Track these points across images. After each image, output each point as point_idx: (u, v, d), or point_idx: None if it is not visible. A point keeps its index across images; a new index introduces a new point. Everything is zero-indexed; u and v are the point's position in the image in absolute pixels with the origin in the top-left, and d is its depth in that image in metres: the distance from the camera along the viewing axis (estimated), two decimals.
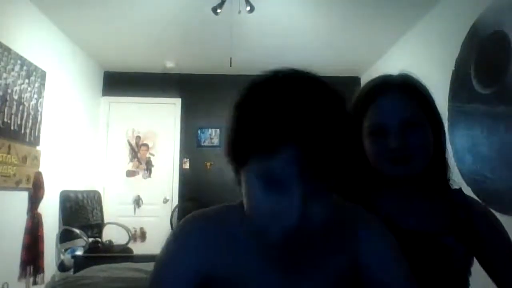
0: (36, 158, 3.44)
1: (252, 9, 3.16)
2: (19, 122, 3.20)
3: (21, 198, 3.29)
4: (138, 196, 5.11)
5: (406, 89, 0.94)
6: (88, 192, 4.45)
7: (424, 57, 3.57)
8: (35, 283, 3.34)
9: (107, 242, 3.97)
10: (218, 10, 3.17)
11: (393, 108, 0.92)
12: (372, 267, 0.72)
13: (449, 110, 2.96)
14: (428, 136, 0.93)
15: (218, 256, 0.72)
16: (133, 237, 4.50)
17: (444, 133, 0.99)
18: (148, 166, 5.20)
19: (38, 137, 3.49)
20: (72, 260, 3.42)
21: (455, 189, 1.01)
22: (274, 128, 0.56)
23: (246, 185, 0.63)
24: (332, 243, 0.71)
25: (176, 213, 4.85)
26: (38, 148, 3.49)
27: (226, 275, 0.71)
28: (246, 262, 0.70)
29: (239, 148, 0.62)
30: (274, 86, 0.61)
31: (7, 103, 3.04)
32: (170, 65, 4.93)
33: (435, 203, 0.98)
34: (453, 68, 3.00)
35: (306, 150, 0.55)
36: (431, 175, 0.97)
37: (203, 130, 5.22)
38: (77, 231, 3.83)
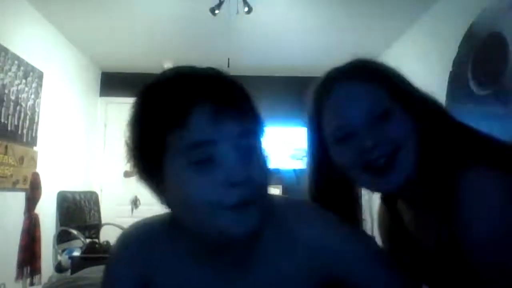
0: (33, 159, 3.43)
1: (250, 10, 3.16)
2: (16, 123, 3.19)
3: (18, 198, 3.27)
4: (136, 197, 5.09)
5: (360, 75, 0.77)
6: (85, 192, 4.43)
7: (422, 58, 3.58)
8: (32, 284, 3.33)
9: (105, 243, 3.94)
10: (216, 11, 3.17)
11: (352, 102, 0.74)
12: (334, 267, 0.67)
13: None
14: (407, 122, 0.73)
15: (153, 266, 0.71)
16: None
17: (434, 110, 0.82)
18: None
19: (35, 137, 3.48)
20: (69, 261, 3.41)
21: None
22: (181, 95, 0.57)
23: (179, 181, 0.58)
24: (271, 242, 0.66)
25: None
26: (35, 148, 3.48)
27: (164, 283, 0.71)
28: (181, 268, 0.68)
29: (156, 130, 0.58)
30: (172, 73, 0.66)
31: (4, 103, 3.03)
32: (168, 65, 4.89)
33: (440, 207, 0.73)
34: (451, 69, 3.01)
35: (215, 103, 0.56)
36: (426, 170, 0.73)
37: None
38: (74, 232, 3.82)
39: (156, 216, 0.75)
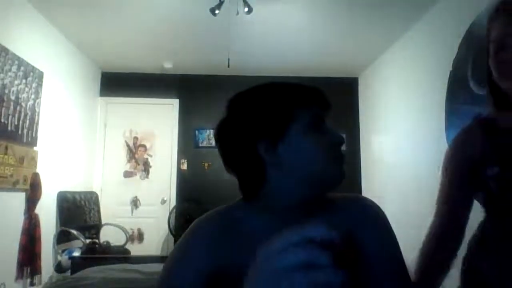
0: (33, 159, 3.43)
1: (250, 11, 3.16)
2: (16, 123, 3.19)
3: (18, 199, 3.28)
4: (136, 197, 5.10)
5: None
6: (85, 193, 4.44)
7: (422, 58, 3.58)
8: (32, 284, 3.33)
9: (105, 243, 3.95)
10: (216, 11, 3.17)
11: None
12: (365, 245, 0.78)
13: (446, 110, 2.97)
14: None
15: (226, 254, 0.76)
16: (130, 238, 4.49)
17: None
18: (146, 167, 5.20)
19: (35, 137, 3.48)
20: (69, 261, 3.41)
21: None
22: (307, 90, 0.83)
23: (299, 138, 0.77)
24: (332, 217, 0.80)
25: (173, 214, 4.85)
26: (35, 148, 3.48)
27: (235, 271, 0.71)
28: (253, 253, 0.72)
29: (288, 107, 0.78)
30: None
31: (4, 103, 3.03)
32: (168, 65, 4.93)
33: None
34: (451, 69, 3.01)
35: (323, 101, 0.83)
36: None
37: (200, 131, 5.22)
38: (74, 232, 3.82)
39: (219, 208, 0.85)
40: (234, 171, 0.83)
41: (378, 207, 0.87)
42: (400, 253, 0.83)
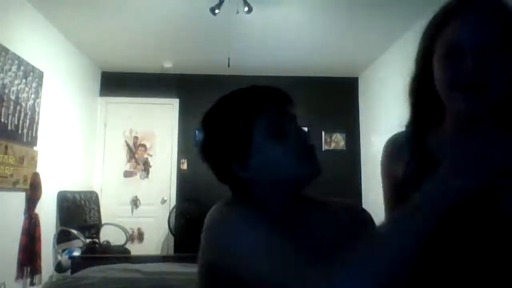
0: (33, 159, 3.43)
1: (250, 10, 3.16)
2: (16, 123, 3.19)
3: (18, 198, 3.28)
4: (136, 196, 5.10)
5: (490, 8, 0.82)
6: (85, 192, 4.44)
7: None
8: (32, 283, 3.33)
9: (105, 242, 3.95)
10: (216, 11, 3.17)
11: (473, 28, 0.81)
12: None
13: None
14: (510, 63, 0.80)
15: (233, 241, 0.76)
16: (130, 238, 4.49)
17: None
18: (146, 167, 5.20)
19: (35, 137, 3.48)
20: (70, 261, 3.41)
21: None
22: (260, 96, 0.85)
23: (264, 144, 0.81)
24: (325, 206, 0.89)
25: (173, 214, 4.85)
26: (35, 148, 3.48)
27: (235, 265, 0.74)
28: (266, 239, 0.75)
29: (247, 121, 0.81)
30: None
31: (4, 103, 3.03)
32: (168, 65, 4.93)
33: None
34: None
35: (281, 99, 0.85)
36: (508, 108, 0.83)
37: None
38: (75, 231, 3.82)
39: (221, 203, 0.85)
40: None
41: (369, 217, 0.89)
42: None
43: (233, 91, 0.87)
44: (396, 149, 0.97)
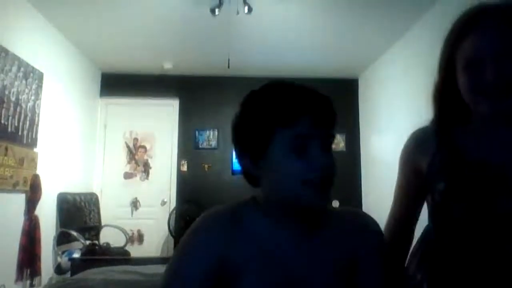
0: (33, 160, 3.42)
1: (250, 10, 3.16)
2: (16, 124, 3.18)
3: (18, 200, 3.27)
4: (136, 198, 5.09)
5: (506, 17, 0.85)
6: (85, 194, 4.43)
7: (422, 58, 3.58)
8: (32, 285, 3.32)
9: (104, 244, 3.95)
10: (216, 11, 3.17)
11: (491, 37, 0.85)
12: (360, 267, 0.85)
13: None
14: None
15: (237, 247, 0.81)
16: (130, 240, 4.48)
17: None
18: (146, 168, 5.19)
19: (35, 139, 3.48)
20: (69, 263, 3.40)
21: None
22: (295, 105, 0.78)
23: (281, 162, 0.78)
24: (335, 226, 0.86)
25: (173, 216, 4.84)
26: (35, 150, 3.48)
27: (247, 253, 0.81)
28: (266, 239, 0.82)
29: (268, 127, 0.78)
30: (280, 86, 0.83)
31: (4, 104, 3.02)
32: (168, 66, 4.92)
33: None
34: None
35: (316, 117, 0.78)
36: None
37: (200, 132, 5.21)
38: (74, 233, 3.82)
39: (233, 202, 0.89)
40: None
41: (377, 226, 0.90)
42: (388, 274, 0.88)
43: (284, 83, 0.82)
44: (422, 140, 1.00)
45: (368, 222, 0.90)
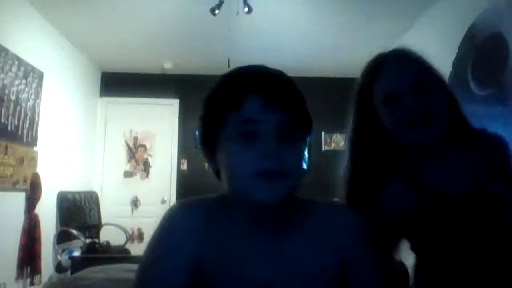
0: (33, 159, 3.43)
1: (250, 10, 3.16)
2: (16, 123, 3.19)
3: (18, 199, 3.28)
4: (136, 197, 5.10)
5: (406, 56, 0.97)
6: (85, 193, 4.43)
7: None
8: (32, 284, 3.33)
9: (105, 243, 3.95)
10: (216, 11, 3.17)
11: (400, 73, 0.94)
12: (353, 267, 0.76)
13: None
14: (441, 95, 0.93)
15: (209, 241, 0.74)
16: (130, 238, 4.49)
17: (451, 92, 0.99)
18: (146, 167, 5.20)
19: (36, 138, 3.48)
20: (70, 261, 3.41)
21: (481, 131, 1.03)
22: (240, 86, 0.71)
23: (227, 152, 0.70)
24: (308, 226, 0.76)
25: None
26: (35, 149, 3.48)
27: (218, 258, 0.74)
28: (235, 241, 0.74)
29: (216, 112, 0.72)
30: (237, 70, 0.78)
31: (4, 103, 3.03)
32: (168, 66, 4.93)
33: (470, 156, 0.96)
34: (451, 69, 3.01)
35: (267, 99, 0.68)
36: (454, 132, 0.95)
37: None
38: (75, 232, 3.82)
39: (203, 196, 0.82)
40: None
41: (360, 219, 0.80)
42: (380, 271, 0.79)
43: (243, 66, 0.79)
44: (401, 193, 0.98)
45: (349, 216, 0.79)
